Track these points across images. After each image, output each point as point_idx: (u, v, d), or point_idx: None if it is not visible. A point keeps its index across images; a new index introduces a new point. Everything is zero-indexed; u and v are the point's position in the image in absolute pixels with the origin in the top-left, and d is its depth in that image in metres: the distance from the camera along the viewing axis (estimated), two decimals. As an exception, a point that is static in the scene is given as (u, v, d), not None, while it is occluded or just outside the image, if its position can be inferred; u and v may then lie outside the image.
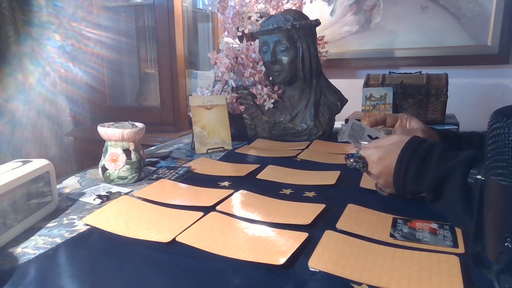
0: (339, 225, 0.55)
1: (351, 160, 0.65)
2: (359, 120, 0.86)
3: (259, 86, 1.17)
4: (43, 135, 1.69)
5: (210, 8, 1.24)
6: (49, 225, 0.58)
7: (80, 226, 0.58)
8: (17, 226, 0.54)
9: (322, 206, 0.62)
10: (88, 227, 0.57)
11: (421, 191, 0.59)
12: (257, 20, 1.20)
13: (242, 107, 1.16)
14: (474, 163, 0.49)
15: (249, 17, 1.19)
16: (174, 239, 0.52)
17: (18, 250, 0.51)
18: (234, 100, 1.16)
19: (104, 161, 0.77)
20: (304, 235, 0.52)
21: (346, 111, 1.30)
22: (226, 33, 1.25)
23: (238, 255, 0.48)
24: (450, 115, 1.37)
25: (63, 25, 1.68)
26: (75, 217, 0.61)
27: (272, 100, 1.17)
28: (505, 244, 0.37)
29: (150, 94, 1.80)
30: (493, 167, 0.38)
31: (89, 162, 1.56)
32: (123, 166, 0.77)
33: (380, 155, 0.62)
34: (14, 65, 1.51)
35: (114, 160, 0.76)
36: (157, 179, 0.79)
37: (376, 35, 1.63)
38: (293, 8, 1.29)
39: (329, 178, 0.77)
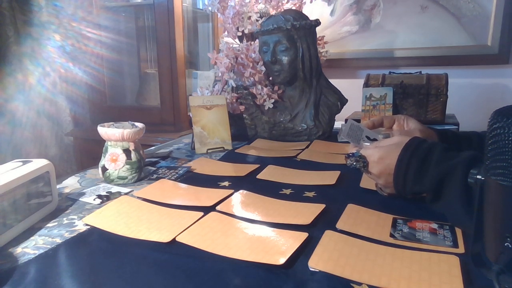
0: (339, 225, 0.55)
1: (352, 159, 0.65)
2: (358, 121, 0.86)
3: (259, 86, 1.17)
4: (43, 135, 1.69)
5: (210, 8, 1.24)
6: (49, 225, 0.58)
7: (80, 226, 0.58)
8: (17, 226, 0.54)
9: (322, 206, 0.62)
10: (88, 227, 0.57)
11: (421, 191, 0.59)
12: (257, 20, 1.20)
13: (242, 107, 1.16)
14: (474, 163, 0.49)
15: (249, 17, 1.19)
16: (174, 239, 0.52)
17: (18, 250, 0.51)
18: (234, 100, 1.16)
19: (104, 161, 0.77)
20: (304, 235, 0.52)
21: (346, 111, 1.31)
22: (226, 33, 1.25)
23: (238, 255, 0.48)
24: (450, 115, 1.37)
25: (63, 25, 1.68)
26: (75, 217, 0.61)
27: (272, 100, 1.17)
28: (505, 244, 0.37)
29: (150, 94, 1.80)
30: (493, 167, 0.38)
31: (89, 162, 1.56)
32: (123, 166, 0.77)
33: (381, 154, 0.62)
34: (14, 65, 1.51)
35: (114, 160, 0.76)
36: (157, 179, 0.79)
37: (376, 35, 1.63)
38: (293, 8, 1.29)
39: (329, 178, 0.77)
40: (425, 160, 0.57)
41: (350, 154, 0.66)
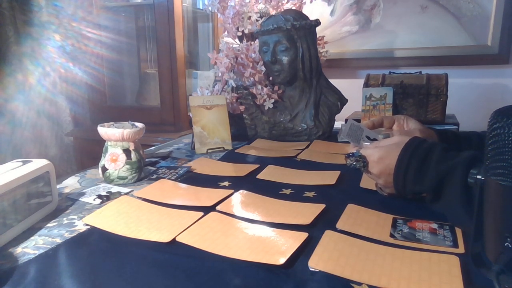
0: (339, 225, 0.55)
1: (351, 159, 0.65)
2: (358, 121, 0.86)
3: (259, 86, 1.17)
4: (43, 135, 1.69)
5: (210, 8, 1.24)
6: (49, 225, 0.58)
7: (80, 226, 0.58)
8: (17, 226, 0.54)
9: (322, 206, 0.62)
10: (88, 227, 0.57)
11: (421, 191, 0.59)
12: (257, 20, 1.20)
13: (242, 107, 1.16)
14: (474, 163, 0.49)
15: (249, 17, 1.19)
16: (174, 239, 0.52)
17: (18, 250, 0.51)
18: (234, 100, 1.16)
19: (104, 161, 0.77)
20: (304, 235, 0.52)
21: (346, 111, 1.31)
22: (226, 33, 1.25)
23: (238, 255, 0.48)
24: (450, 115, 1.37)
25: (63, 25, 1.68)
26: (75, 217, 0.61)
27: (272, 100, 1.17)
28: (505, 244, 0.37)
29: (150, 94, 1.80)
30: (493, 167, 0.38)
31: (89, 162, 1.56)
32: (123, 166, 0.77)
33: (381, 154, 0.62)
34: (14, 65, 1.51)
35: (114, 160, 0.76)
36: (157, 179, 0.79)
37: (376, 35, 1.63)
38: (293, 8, 1.29)
39: (329, 178, 0.77)
40: (425, 160, 0.57)
41: (350, 154, 0.66)
